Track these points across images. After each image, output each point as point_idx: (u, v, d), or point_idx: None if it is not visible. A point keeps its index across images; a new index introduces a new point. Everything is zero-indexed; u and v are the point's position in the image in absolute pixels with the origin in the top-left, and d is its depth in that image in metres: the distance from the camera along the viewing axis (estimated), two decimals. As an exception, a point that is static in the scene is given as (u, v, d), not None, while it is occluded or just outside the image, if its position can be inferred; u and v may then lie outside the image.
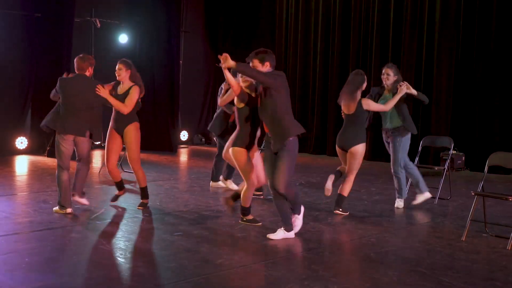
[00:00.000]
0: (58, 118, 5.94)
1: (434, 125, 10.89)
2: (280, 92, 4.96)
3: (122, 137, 6.18)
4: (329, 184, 6.24)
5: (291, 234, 5.19)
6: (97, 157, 11.38)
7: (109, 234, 5.30)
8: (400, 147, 6.60)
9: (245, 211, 5.68)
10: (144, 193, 6.37)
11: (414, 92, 6.54)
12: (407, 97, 6.61)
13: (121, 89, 6.14)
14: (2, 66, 11.07)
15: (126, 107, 6.04)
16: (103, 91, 5.96)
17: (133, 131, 6.15)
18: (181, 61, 13.83)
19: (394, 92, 6.54)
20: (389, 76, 6.60)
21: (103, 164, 9.35)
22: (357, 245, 5.21)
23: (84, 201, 6.22)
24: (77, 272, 4.16)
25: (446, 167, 7.43)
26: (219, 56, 4.82)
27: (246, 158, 5.42)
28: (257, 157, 5.63)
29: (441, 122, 10.86)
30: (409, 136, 6.67)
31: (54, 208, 6.05)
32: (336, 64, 12.55)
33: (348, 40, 12.42)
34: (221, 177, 7.86)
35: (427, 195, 6.80)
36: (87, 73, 6.04)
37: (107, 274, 4.11)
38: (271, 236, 5.15)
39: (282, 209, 5.17)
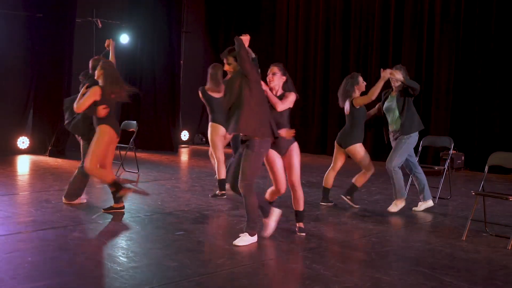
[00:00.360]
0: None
1: (434, 125, 10.91)
2: (256, 87, 4.88)
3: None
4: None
5: (254, 239, 5.00)
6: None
7: (111, 233, 5.33)
8: (402, 147, 6.47)
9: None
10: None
11: (400, 77, 6.41)
12: (403, 89, 6.47)
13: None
14: (4, 66, 11.10)
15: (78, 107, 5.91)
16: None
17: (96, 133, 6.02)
18: (181, 61, 13.86)
19: (400, 92, 6.50)
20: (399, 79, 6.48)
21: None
22: (358, 244, 5.23)
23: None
24: (80, 272, 4.18)
25: (446, 166, 7.45)
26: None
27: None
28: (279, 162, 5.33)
29: (440, 122, 10.88)
30: (414, 137, 6.56)
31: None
32: (336, 64, 12.56)
33: (349, 39, 12.43)
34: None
35: (430, 203, 6.71)
36: None
37: (109, 273, 4.14)
38: (237, 242, 4.92)
39: (247, 210, 5.00)
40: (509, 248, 5.06)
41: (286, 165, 5.28)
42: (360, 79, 6.59)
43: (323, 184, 6.87)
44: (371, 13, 12.03)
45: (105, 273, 4.13)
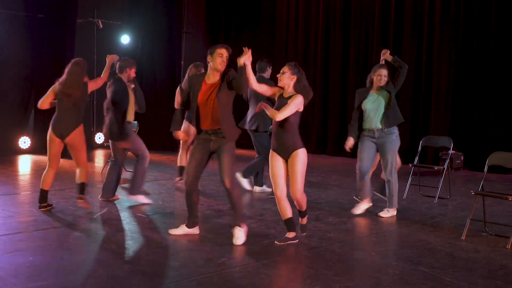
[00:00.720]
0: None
1: (433, 124, 10.93)
2: (233, 93, 4.98)
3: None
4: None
5: (195, 231, 5.22)
6: (99, 157, 11.43)
7: (112, 233, 5.34)
8: (394, 147, 6.23)
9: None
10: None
11: (390, 57, 6.38)
12: (387, 85, 6.19)
13: None
14: (5, 66, 11.12)
15: None
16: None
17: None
18: (182, 62, 13.86)
19: (381, 91, 6.18)
20: (385, 77, 6.18)
21: (105, 164, 9.42)
22: (358, 244, 5.25)
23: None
24: (81, 271, 4.19)
25: (445, 166, 7.47)
26: (245, 49, 4.79)
27: None
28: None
29: (440, 122, 10.90)
30: (396, 131, 6.24)
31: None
32: (336, 64, 12.58)
33: (349, 39, 12.45)
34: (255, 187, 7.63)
35: (394, 212, 6.35)
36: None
37: (110, 272, 4.15)
38: (172, 231, 5.22)
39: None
40: (509, 247, 5.08)
41: (289, 172, 5.00)
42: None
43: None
44: (371, 13, 12.05)
45: (106, 273, 4.15)
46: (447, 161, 7.56)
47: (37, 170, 9.35)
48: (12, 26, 11.14)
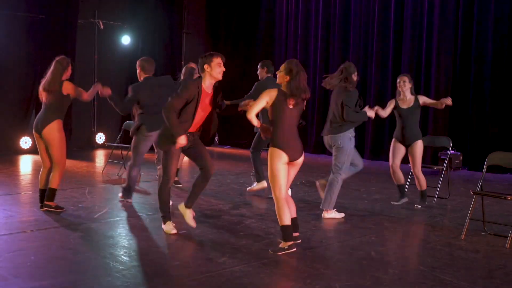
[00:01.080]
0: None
1: (432, 125, 10.94)
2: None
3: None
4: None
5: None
6: (100, 157, 11.45)
7: (113, 232, 5.36)
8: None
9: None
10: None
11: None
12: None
13: None
14: (6, 66, 11.15)
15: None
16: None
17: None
18: (182, 62, 13.89)
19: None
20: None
21: (106, 163, 9.43)
22: (358, 243, 5.26)
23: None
24: (82, 270, 4.21)
25: (444, 166, 7.49)
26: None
27: None
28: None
29: (439, 122, 10.91)
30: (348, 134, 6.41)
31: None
32: (336, 65, 12.57)
33: (348, 40, 12.47)
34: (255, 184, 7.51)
35: (341, 215, 6.23)
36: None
37: (111, 272, 4.17)
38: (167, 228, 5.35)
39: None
40: (508, 247, 5.10)
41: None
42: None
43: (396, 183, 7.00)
44: (371, 13, 12.06)
45: (107, 272, 4.17)
46: (446, 161, 7.58)
47: (38, 170, 9.33)
48: (13, 27, 11.17)
